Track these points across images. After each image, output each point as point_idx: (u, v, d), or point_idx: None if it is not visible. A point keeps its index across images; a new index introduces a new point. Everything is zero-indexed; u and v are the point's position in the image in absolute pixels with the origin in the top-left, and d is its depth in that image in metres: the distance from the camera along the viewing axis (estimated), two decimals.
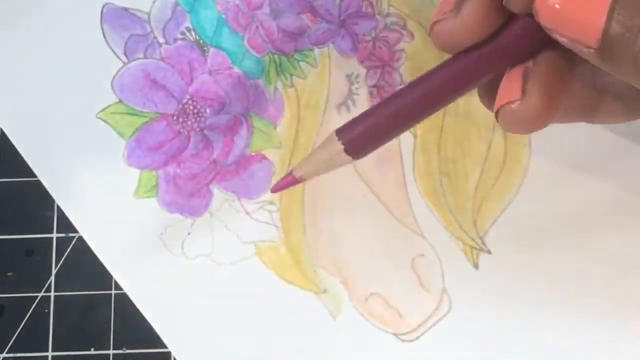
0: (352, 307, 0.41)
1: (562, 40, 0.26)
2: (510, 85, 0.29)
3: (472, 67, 0.30)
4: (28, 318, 0.42)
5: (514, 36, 0.29)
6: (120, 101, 0.44)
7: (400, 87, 0.33)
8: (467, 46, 0.29)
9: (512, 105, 0.28)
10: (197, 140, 0.43)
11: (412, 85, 0.32)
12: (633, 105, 0.31)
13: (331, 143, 0.33)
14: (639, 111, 0.32)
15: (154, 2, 0.45)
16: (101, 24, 0.45)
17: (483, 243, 0.42)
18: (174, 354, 0.41)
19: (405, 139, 0.43)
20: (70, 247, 0.42)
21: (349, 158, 0.33)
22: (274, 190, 0.35)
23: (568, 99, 0.30)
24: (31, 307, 0.42)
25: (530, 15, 0.27)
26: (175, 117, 0.43)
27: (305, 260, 0.42)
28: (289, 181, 0.35)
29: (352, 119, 0.33)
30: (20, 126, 0.43)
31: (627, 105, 0.31)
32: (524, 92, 0.28)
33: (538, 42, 0.29)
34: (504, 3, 0.28)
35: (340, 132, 0.33)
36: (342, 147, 0.32)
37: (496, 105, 0.29)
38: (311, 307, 0.41)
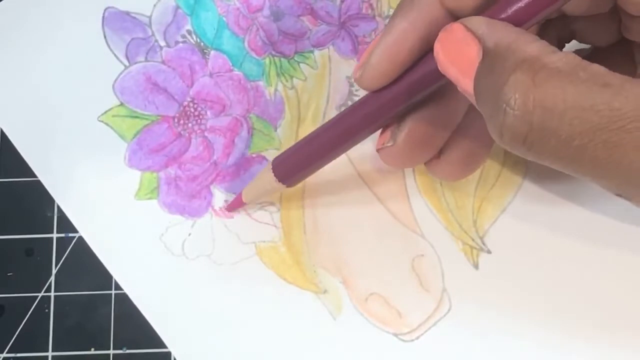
0: (352, 307, 0.41)
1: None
2: (386, 135, 0.37)
3: (378, 111, 0.35)
4: (28, 318, 0.42)
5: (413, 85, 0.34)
6: (122, 104, 0.44)
7: (325, 122, 0.38)
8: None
9: (386, 149, 0.37)
10: (197, 142, 0.43)
11: (333, 123, 0.37)
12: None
13: (267, 174, 0.39)
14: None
15: (155, 5, 0.45)
16: (103, 27, 0.45)
17: (483, 243, 0.42)
18: (174, 354, 0.41)
19: None
20: (70, 247, 0.42)
21: (283, 186, 0.39)
22: (228, 209, 0.43)
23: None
24: (31, 307, 0.42)
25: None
26: (176, 120, 0.44)
27: (305, 261, 0.42)
28: (239, 202, 0.42)
29: (285, 151, 0.39)
30: (21, 127, 0.44)
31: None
32: (393, 140, 0.36)
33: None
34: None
35: (274, 164, 0.38)
36: (274, 178, 0.39)
37: (377, 147, 0.37)
38: (311, 307, 0.41)
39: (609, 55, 0.33)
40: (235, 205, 0.42)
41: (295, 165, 0.38)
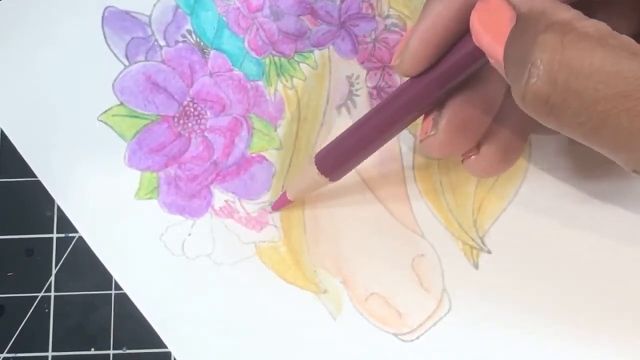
0: (352, 307, 0.41)
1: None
2: (429, 124, 0.36)
3: (419, 97, 0.35)
4: (28, 318, 0.42)
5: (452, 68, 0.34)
6: (122, 104, 0.44)
7: (366, 113, 0.37)
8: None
9: (429, 138, 0.36)
10: (197, 142, 0.43)
11: (374, 112, 0.37)
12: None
13: (310, 169, 0.39)
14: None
15: (154, 5, 0.45)
16: (102, 27, 0.45)
17: (483, 243, 0.42)
18: (174, 354, 0.41)
19: (405, 139, 0.43)
20: (70, 247, 0.42)
21: (326, 180, 0.39)
22: (274, 209, 0.42)
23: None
24: (31, 307, 0.42)
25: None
26: (176, 119, 0.44)
27: (305, 260, 0.42)
28: (284, 201, 0.42)
29: (328, 145, 0.38)
30: (21, 127, 0.44)
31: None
32: (435, 129, 0.36)
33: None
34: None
35: (317, 159, 0.38)
36: (318, 172, 0.38)
37: (420, 138, 0.37)
38: (311, 307, 0.41)
39: None
40: (280, 204, 0.42)
41: (339, 158, 0.38)
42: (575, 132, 0.27)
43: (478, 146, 0.37)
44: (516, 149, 0.38)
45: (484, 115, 0.36)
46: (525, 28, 0.28)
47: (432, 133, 0.36)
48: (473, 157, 0.38)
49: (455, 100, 0.35)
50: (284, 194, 0.41)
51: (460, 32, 0.33)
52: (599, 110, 0.26)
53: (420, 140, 0.37)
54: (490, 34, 0.30)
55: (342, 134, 0.38)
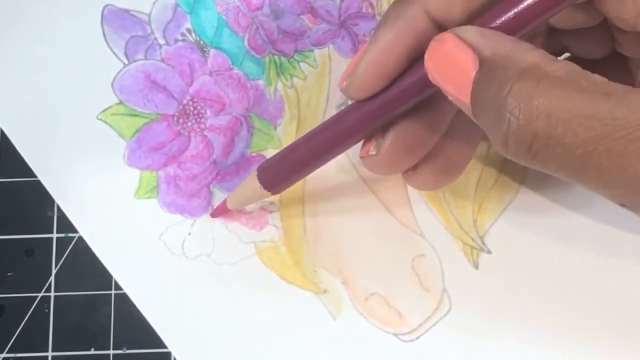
0: (352, 307, 0.41)
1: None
2: (371, 144, 0.36)
3: (364, 121, 0.35)
4: (28, 318, 0.42)
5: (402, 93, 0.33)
6: (121, 102, 0.44)
7: (312, 129, 0.37)
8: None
9: (370, 157, 0.36)
10: (197, 141, 0.43)
11: (318, 131, 0.36)
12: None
13: (252, 181, 0.39)
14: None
15: (154, 3, 0.45)
16: (102, 25, 0.45)
17: (483, 243, 0.42)
18: (174, 354, 0.41)
19: None
20: (70, 247, 0.42)
21: (268, 193, 0.39)
22: (213, 216, 0.42)
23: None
24: (31, 307, 0.42)
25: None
26: (175, 118, 0.43)
27: (306, 260, 0.42)
28: (223, 209, 0.42)
29: (271, 158, 0.38)
30: (21, 127, 0.43)
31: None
32: (377, 149, 0.36)
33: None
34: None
35: (259, 171, 0.38)
36: (260, 185, 0.38)
37: (360, 154, 0.37)
38: (311, 307, 0.41)
39: (604, 68, 0.32)
40: (220, 212, 0.42)
41: (281, 173, 0.38)
42: (558, 173, 0.28)
43: (416, 165, 0.37)
44: (460, 163, 0.38)
45: (428, 138, 0.36)
46: (492, 74, 0.28)
47: (374, 153, 0.36)
48: (410, 172, 0.38)
49: (399, 125, 0.35)
50: (224, 202, 0.41)
51: (411, 61, 0.32)
52: (580, 153, 0.26)
53: (361, 157, 0.37)
54: (449, 77, 0.29)
55: (286, 148, 0.38)
